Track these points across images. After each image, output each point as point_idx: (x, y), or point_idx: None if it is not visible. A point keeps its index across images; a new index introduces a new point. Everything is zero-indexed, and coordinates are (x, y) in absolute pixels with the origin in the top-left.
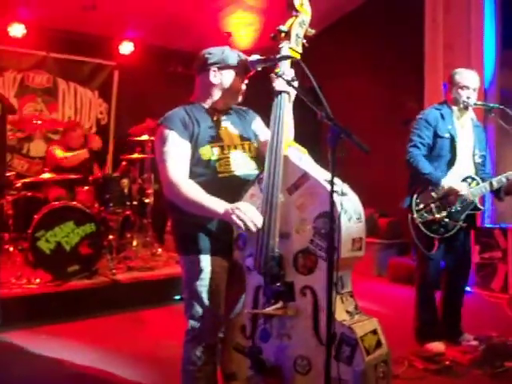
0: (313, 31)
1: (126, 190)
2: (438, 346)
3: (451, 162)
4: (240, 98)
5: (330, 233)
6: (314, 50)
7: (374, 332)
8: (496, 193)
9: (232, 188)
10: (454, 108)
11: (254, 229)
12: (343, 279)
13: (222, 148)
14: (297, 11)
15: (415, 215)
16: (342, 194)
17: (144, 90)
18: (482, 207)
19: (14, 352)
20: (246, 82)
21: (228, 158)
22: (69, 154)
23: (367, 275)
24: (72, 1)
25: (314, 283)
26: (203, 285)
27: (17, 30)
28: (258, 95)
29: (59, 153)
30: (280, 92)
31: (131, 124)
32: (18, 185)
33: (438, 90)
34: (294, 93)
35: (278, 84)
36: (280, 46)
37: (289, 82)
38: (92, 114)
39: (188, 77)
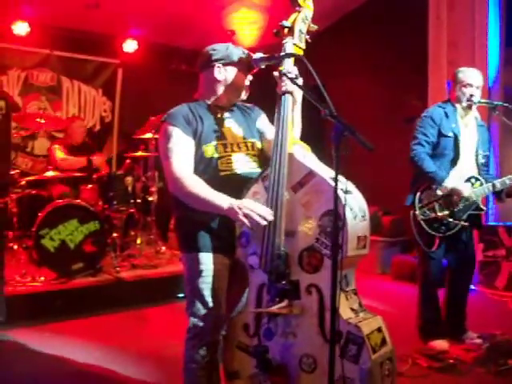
0: (315, 27)
1: (129, 188)
2: (441, 344)
3: (454, 161)
4: (244, 95)
5: (335, 231)
6: (315, 50)
7: (379, 330)
8: (497, 194)
9: (233, 186)
10: (458, 106)
11: (264, 223)
12: (348, 277)
13: (224, 146)
14: (300, 6)
15: (417, 212)
16: (347, 191)
17: (148, 87)
18: (484, 208)
19: (18, 349)
20: (250, 78)
21: (230, 156)
22: (68, 157)
23: (371, 273)
24: None
25: (319, 281)
26: (204, 282)
27: (20, 28)
28: (263, 92)
29: (59, 154)
30: (284, 92)
31: (135, 121)
32: (22, 183)
33: (442, 87)
34: (299, 91)
35: (283, 85)
36: (284, 41)
37: (293, 80)
38: (96, 111)
39: (191, 74)
